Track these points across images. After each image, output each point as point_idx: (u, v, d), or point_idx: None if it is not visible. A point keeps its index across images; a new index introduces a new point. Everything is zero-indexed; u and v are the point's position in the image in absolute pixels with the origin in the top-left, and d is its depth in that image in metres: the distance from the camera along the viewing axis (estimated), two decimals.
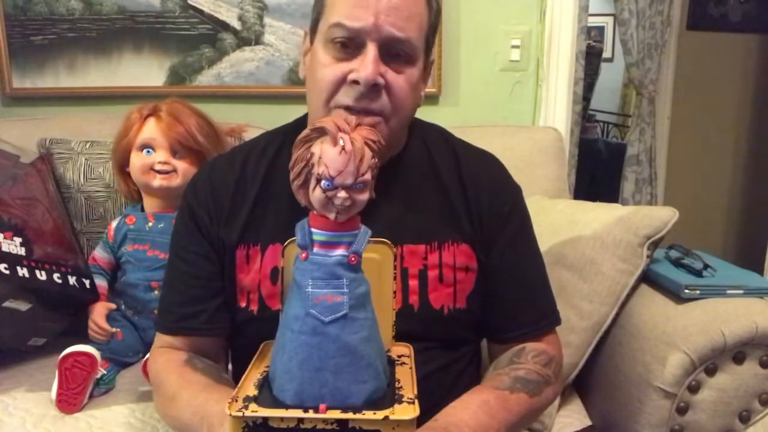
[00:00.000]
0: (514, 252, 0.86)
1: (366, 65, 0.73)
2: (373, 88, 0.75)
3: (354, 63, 0.75)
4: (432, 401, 0.68)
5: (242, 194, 0.86)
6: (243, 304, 0.84)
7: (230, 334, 0.87)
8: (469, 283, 0.84)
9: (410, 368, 0.69)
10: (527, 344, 0.85)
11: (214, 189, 0.87)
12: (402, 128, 0.83)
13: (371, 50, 0.74)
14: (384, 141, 0.64)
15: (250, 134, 1.40)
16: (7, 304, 1.10)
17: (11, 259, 1.10)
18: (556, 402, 1.08)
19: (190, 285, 0.86)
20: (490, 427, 0.69)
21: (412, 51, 0.77)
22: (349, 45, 0.75)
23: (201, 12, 1.68)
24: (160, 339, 0.88)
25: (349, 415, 0.57)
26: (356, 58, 0.75)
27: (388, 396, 0.62)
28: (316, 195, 0.59)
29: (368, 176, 0.59)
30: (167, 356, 0.85)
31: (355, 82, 0.74)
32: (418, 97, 0.83)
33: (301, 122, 0.89)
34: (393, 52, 0.76)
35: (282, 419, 0.58)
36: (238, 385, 0.63)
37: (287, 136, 0.88)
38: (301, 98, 0.86)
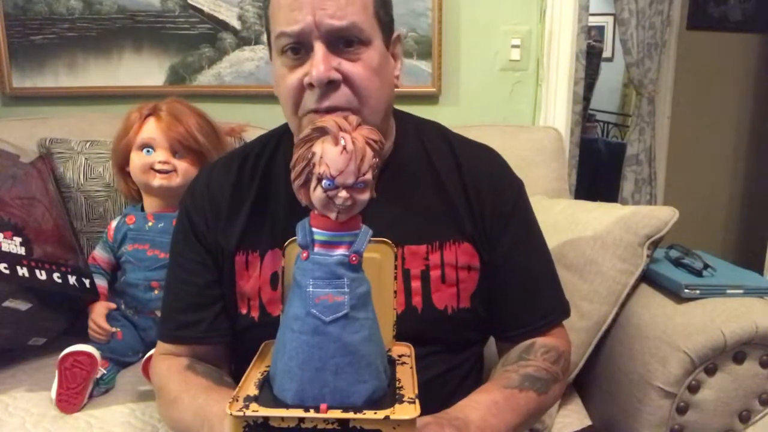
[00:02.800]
0: (518, 249, 0.85)
1: (316, 65, 0.72)
2: (330, 85, 0.73)
3: (306, 66, 0.74)
4: (434, 407, 0.68)
5: (240, 199, 0.85)
6: (244, 311, 0.83)
7: (231, 341, 0.87)
8: (472, 282, 0.83)
9: (411, 368, 0.69)
10: (537, 339, 0.85)
11: (212, 194, 0.86)
12: (381, 117, 0.80)
13: (318, 49, 0.73)
14: (383, 143, 0.63)
15: (250, 134, 1.41)
16: (7, 304, 1.10)
17: (11, 259, 1.10)
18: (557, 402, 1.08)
19: (189, 292, 0.85)
20: (497, 430, 0.69)
21: (362, 34, 0.75)
22: (300, 50, 0.74)
23: (201, 11, 1.68)
24: (161, 346, 0.88)
25: (350, 415, 0.57)
26: (308, 61, 0.74)
27: (388, 396, 0.62)
28: (317, 194, 0.59)
29: (369, 176, 0.59)
30: (168, 362, 0.84)
31: (311, 84, 0.73)
32: (388, 79, 0.80)
33: None
34: (343, 42, 0.74)
35: (283, 419, 0.58)
36: (239, 385, 0.63)
37: (282, 138, 0.88)
38: None
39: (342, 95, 0.74)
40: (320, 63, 0.72)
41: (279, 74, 0.77)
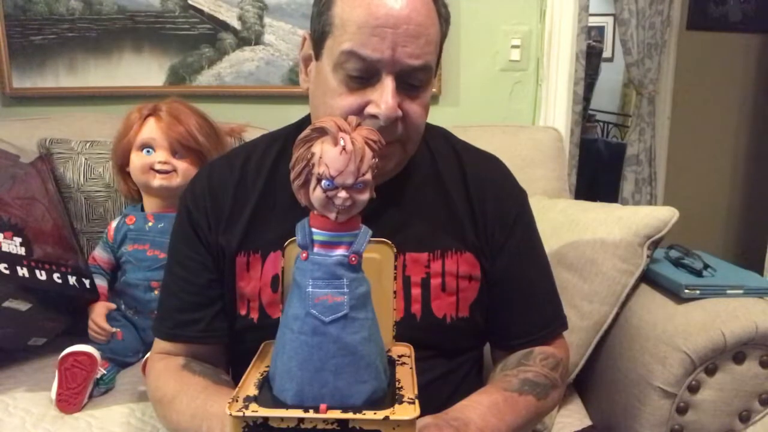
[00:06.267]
0: (520, 260, 0.85)
1: (385, 100, 0.70)
2: (393, 121, 0.73)
3: (370, 94, 0.72)
4: (433, 409, 0.68)
5: (242, 200, 0.84)
6: (243, 312, 0.83)
7: (230, 341, 0.86)
8: (473, 291, 0.83)
9: (411, 368, 0.69)
10: (535, 347, 0.84)
11: (214, 194, 0.85)
12: (416, 146, 0.81)
13: (389, 83, 0.71)
14: (382, 143, 0.63)
15: (250, 134, 1.41)
16: (7, 304, 1.10)
17: (11, 259, 1.10)
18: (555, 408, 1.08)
19: (188, 291, 0.84)
20: (497, 429, 0.69)
21: (429, 74, 0.75)
22: (363, 75, 0.72)
23: (201, 12, 1.68)
24: (158, 344, 0.87)
25: (350, 415, 0.57)
26: (371, 87, 0.72)
27: (388, 396, 0.62)
28: (317, 195, 0.59)
29: (369, 176, 0.59)
30: (165, 362, 0.84)
31: (374, 115, 0.72)
32: (428, 108, 0.80)
33: (302, 125, 0.86)
34: (409, 80, 0.73)
35: (282, 419, 0.58)
36: (239, 385, 0.63)
37: (288, 139, 0.86)
38: (301, 98, 0.85)
39: (398, 131, 0.74)
40: (390, 99, 0.71)
41: (332, 88, 0.74)
